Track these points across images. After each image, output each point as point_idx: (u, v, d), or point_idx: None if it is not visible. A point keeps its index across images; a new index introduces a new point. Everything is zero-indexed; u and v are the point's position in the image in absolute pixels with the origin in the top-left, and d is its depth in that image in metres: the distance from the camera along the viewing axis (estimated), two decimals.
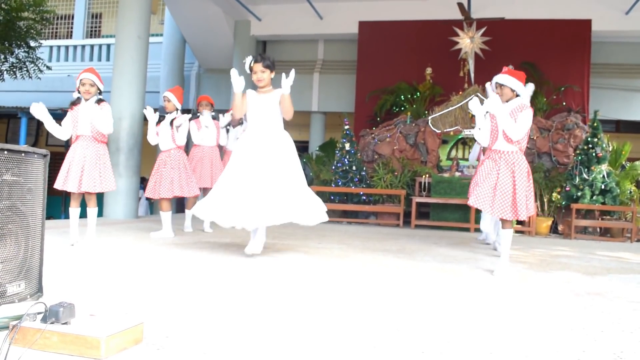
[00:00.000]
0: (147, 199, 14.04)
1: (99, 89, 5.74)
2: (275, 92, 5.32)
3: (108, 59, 16.94)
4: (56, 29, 18.59)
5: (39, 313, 2.28)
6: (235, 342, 2.44)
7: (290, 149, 5.32)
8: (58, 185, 5.55)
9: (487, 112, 5.25)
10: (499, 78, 5.01)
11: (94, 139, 5.64)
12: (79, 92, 5.70)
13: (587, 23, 12.31)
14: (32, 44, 13.65)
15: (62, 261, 4.49)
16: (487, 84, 7.12)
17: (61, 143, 16.52)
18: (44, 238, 2.93)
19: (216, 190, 5.23)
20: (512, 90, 4.96)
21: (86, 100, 5.66)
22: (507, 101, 4.98)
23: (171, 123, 6.80)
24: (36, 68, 13.88)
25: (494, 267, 5.12)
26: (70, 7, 18.62)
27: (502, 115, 4.84)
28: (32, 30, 13.39)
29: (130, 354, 2.22)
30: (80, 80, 5.67)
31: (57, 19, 17.89)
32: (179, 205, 12.24)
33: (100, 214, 9.76)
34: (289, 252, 5.61)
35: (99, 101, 5.64)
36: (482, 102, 10.80)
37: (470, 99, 5.59)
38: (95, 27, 18.66)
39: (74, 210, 5.75)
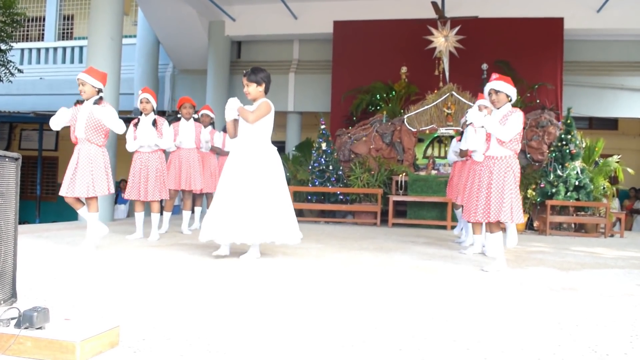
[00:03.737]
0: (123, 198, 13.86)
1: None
2: (256, 104, 5.27)
3: (81, 61, 16.73)
4: (27, 31, 18.33)
5: (12, 318, 2.25)
6: (213, 343, 2.43)
7: (271, 164, 5.26)
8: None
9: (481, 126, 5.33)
10: (495, 84, 5.04)
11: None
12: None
13: (559, 21, 12.45)
14: (3, 46, 13.47)
15: (36, 266, 4.43)
16: (475, 107, 7.19)
17: (34, 147, 16.36)
18: (17, 242, 2.89)
19: (211, 210, 5.27)
20: (507, 96, 5.05)
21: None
22: (499, 107, 5.08)
23: (154, 124, 6.69)
24: (7, 71, 13.70)
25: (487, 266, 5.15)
26: (42, 9, 18.37)
27: (492, 126, 4.95)
28: (2, 33, 13.21)
29: (106, 358, 2.20)
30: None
31: (28, 21, 17.65)
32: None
33: (75, 217, 9.69)
34: (266, 253, 5.59)
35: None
36: (458, 101, 10.89)
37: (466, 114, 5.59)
38: (67, 29, 18.42)
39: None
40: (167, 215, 7.67)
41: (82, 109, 5.60)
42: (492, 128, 4.94)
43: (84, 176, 5.52)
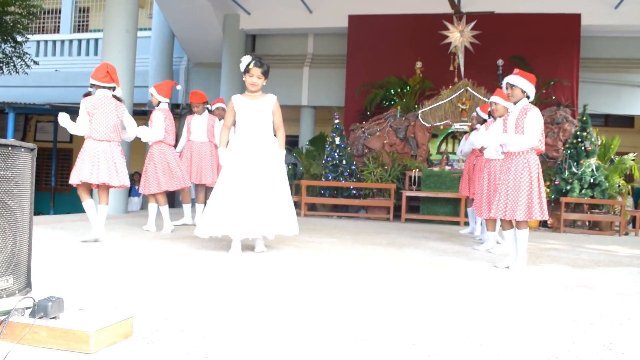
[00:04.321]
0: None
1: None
2: (268, 98, 5.23)
3: (96, 54, 16.83)
4: (43, 23, 18.45)
5: (27, 308, 2.26)
6: (226, 335, 2.43)
7: (276, 157, 5.24)
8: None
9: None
10: (510, 78, 4.93)
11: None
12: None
13: (576, 17, 12.36)
14: (19, 38, 13.56)
15: (50, 256, 4.46)
16: (478, 109, 7.16)
17: (49, 139, 16.46)
18: (32, 233, 2.91)
19: (212, 206, 5.18)
20: (523, 92, 4.89)
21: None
22: (515, 102, 4.95)
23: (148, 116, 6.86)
24: (23, 63, 13.79)
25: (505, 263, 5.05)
26: (57, 1, 18.47)
27: (511, 141, 4.86)
28: (18, 25, 13.29)
29: (120, 348, 2.20)
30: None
31: (44, 13, 17.75)
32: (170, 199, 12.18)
33: None
34: (280, 246, 5.60)
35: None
36: (473, 97, 10.84)
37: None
38: (83, 21, 18.53)
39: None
40: (186, 207, 7.70)
41: None
42: (514, 144, 4.83)
43: None
